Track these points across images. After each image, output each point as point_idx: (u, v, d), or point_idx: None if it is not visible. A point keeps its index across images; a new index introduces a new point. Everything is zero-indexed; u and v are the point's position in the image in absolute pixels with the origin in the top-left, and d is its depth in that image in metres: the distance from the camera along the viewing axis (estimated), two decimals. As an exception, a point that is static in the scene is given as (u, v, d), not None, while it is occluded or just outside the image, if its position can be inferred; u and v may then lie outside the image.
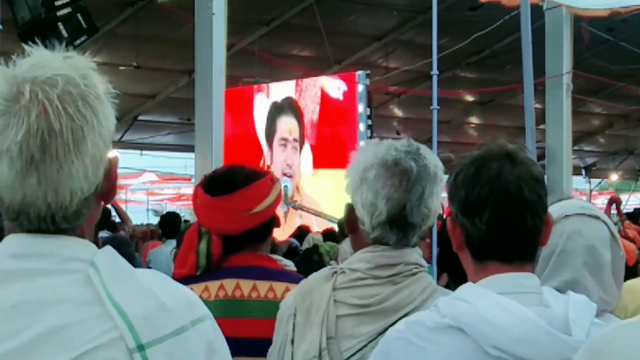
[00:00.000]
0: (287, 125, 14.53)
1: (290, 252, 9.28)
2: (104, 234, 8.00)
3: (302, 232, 10.93)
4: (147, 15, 14.55)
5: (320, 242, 8.99)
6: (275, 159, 14.65)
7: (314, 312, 2.14)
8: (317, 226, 13.14)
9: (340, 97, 13.83)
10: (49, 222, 1.35)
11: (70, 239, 1.38)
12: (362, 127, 13.56)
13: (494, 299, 1.64)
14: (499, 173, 1.71)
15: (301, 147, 14.42)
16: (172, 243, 8.95)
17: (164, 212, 12.94)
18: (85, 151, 1.33)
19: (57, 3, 9.25)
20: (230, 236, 2.56)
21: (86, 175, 1.34)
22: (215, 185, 2.58)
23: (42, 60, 1.35)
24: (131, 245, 7.93)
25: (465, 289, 1.71)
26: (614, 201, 11.05)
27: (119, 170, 1.47)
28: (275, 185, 2.61)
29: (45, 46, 1.39)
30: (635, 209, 14.05)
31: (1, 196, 1.35)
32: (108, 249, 1.40)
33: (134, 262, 5.05)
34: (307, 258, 8.25)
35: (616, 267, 2.15)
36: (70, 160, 1.32)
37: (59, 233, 1.36)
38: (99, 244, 1.44)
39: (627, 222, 10.78)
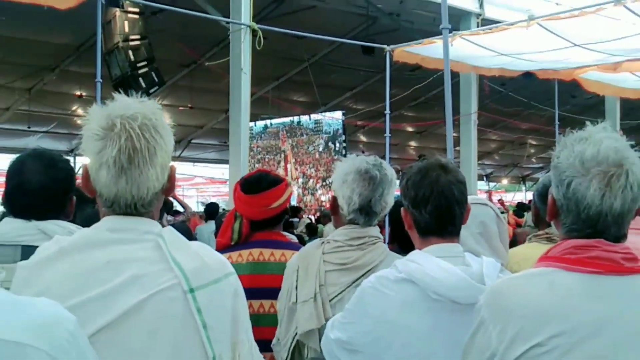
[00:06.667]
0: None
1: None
2: (169, 217, 7.96)
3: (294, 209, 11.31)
4: (198, 73, 14.53)
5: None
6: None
7: (310, 268, 2.14)
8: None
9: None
10: (133, 208, 1.37)
11: (146, 220, 1.40)
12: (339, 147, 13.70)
13: (434, 261, 1.64)
14: (437, 179, 1.70)
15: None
16: (212, 224, 8.88)
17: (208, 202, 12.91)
18: (156, 162, 1.36)
19: (138, 64, 9.26)
20: (255, 220, 2.54)
21: (157, 177, 1.37)
22: (248, 186, 2.56)
23: (126, 103, 1.38)
24: (189, 231, 8.10)
25: (415, 254, 1.71)
26: (500, 202, 13.08)
27: (178, 176, 1.49)
28: (287, 189, 2.60)
29: (131, 94, 1.42)
30: (517, 204, 14.16)
31: (101, 192, 1.37)
32: (169, 227, 1.44)
33: (191, 237, 5.08)
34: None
35: (502, 236, 2.13)
36: (147, 168, 1.35)
37: (139, 215, 1.39)
38: (164, 225, 1.44)
39: (510, 212, 11.22)
